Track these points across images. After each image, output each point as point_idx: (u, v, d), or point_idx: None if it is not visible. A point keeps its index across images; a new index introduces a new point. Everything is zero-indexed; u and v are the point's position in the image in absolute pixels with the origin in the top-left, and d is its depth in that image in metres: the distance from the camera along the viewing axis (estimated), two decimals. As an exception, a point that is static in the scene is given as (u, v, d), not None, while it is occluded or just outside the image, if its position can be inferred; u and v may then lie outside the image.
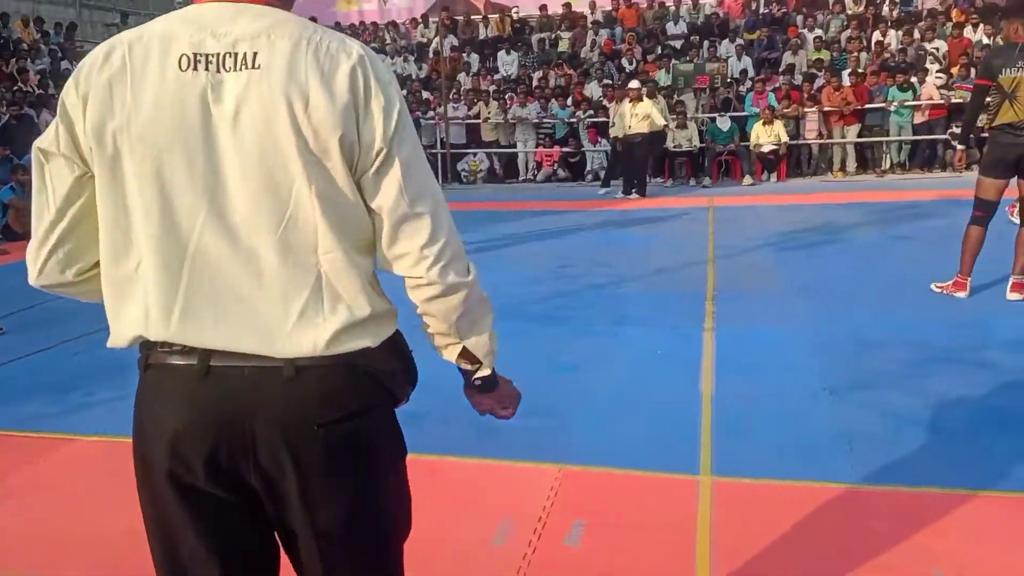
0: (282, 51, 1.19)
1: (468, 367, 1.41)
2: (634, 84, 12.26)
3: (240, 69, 1.18)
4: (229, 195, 1.19)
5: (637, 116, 11.70)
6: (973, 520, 2.64)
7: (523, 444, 3.31)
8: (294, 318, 1.21)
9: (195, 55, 1.19)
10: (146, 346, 1.26)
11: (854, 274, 6.25)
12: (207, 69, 1.18)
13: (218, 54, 1.19)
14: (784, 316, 5.16)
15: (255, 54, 1.19)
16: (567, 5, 17.81)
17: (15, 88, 13.68)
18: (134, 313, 1.24)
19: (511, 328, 5.06)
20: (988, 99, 5.22)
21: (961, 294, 5.38)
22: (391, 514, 1.37)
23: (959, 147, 5.88)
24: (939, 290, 5.48)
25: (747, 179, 12.88)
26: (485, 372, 1.42)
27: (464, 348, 1.37)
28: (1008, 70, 5.02)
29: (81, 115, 1.22)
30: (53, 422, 3.84)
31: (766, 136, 12.80)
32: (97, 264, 1.29)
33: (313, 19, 16.30)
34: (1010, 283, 5.25)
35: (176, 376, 1.24)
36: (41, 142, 1.27)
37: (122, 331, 1.26)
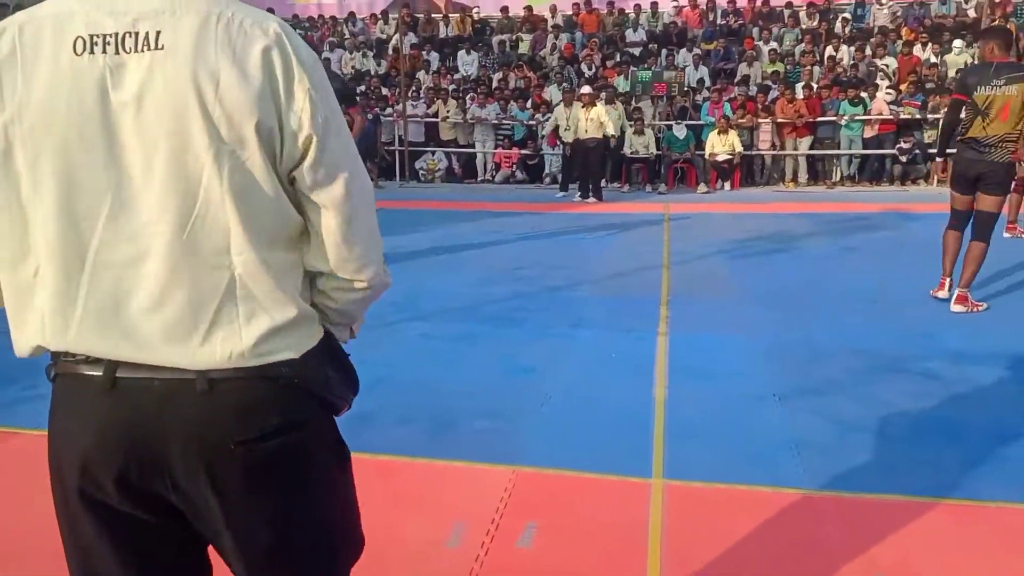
0: (188, 28, 1.07)
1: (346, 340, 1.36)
2: (586, 89, 12.35)
3: (142, 50, 1.07)
4: (132, 192, 1.08)
5: (592, 121, 11.79)
6: (919, 527, 2.70)
7: (477, 445, 3.30)
8: (205, 326, 1.10)
9: (91, 36, 1.08)
10: (53, 354, 1.17)
11: (805, 283, 6.36)
12: (104, 52, 1.07)
13: (117, 34, 1.07)
14: (736, 322, 5.23)
15: (158, 33, 1.07)
16: (528, 8, 17.84)
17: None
18: (33, 321, 1.14)
19: (466, 329, 5.09)
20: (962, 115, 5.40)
21: (941, 293, 5.57)
22: (328, 532, 1.27)
23: (938, 159, 6.04)
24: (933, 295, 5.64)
25: (702, 187, 13.04)
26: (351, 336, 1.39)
27: (351, 329, 1.35)
28: (982, 88, 5.20)
29: None
30: (-9, 415, 3.70)
31: (721, 145, 12.98)
32: None
33: (270, 11, 16.04)
34: (954, 295, 5.40)
35: (82, 388, 1.14)
36: None
37: (24, 340, 1.16)
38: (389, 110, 15.13)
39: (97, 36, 1.08)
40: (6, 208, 1.12)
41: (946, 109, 6.03)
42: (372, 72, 16.78)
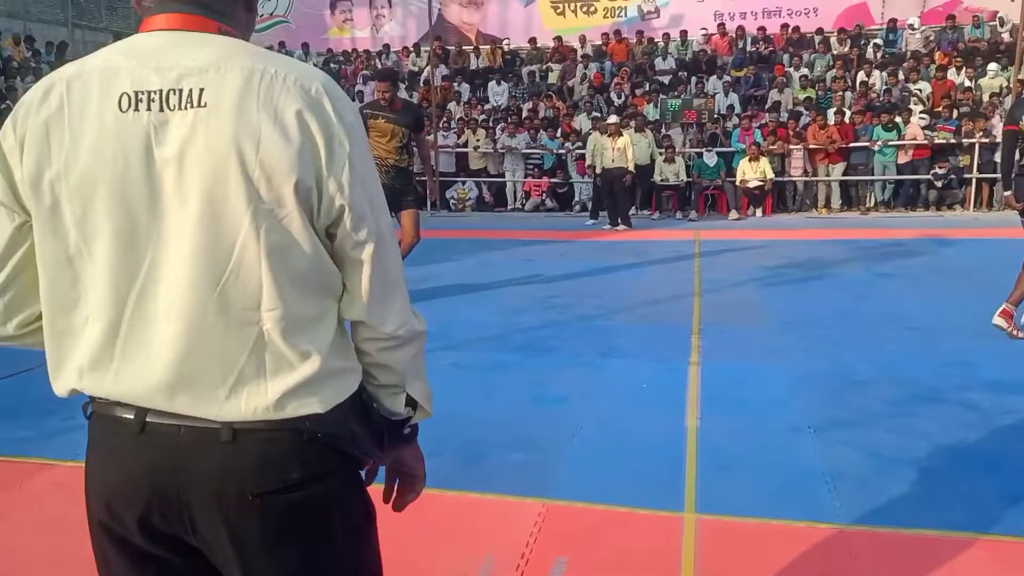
0: (231, 86, 1.08)
1: (405, 415, 1.31)
2: (612, 119, 12.42)
3: (185, 108, 1.08)
4: (171, 248, 1.10)
5: (619, 150, 11.86)
6: (959, 564, 2.63)
7: (507, 478, 3.28)
8: (231, 381, 1.12)
9: (136, 93, 1.09)
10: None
11: (839, 310, 6.28)
12: (149, 108, 1.08)
13: (161, 91, 1.08)
14: (770, 351, 5.17)
15: (201, 90, 1.08)
16: (558, 38, 18.01)
17: (2, 106, 13.65)
18: (72, 367, 1.17)
19: (495, 359, 5.09)
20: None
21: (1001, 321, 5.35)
22: None
23: (1006, 193, 5.94)
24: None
25: (733, 213, 12.98)
26: (422, 416, 1.35)
27: (407, 395, 1.29)
28: None
29: (19, 162, 1.13)
30: (32, 447, 3.77)
31: (752, 172, 12.92)
32: (39, 317, 1.20)
33: (305, 45, 16.19)
34: (1000, 308, 5.32)
35: (114, 429, 1.17)
36: None
37: (63, 383, 1.19)
38: (420, 141, 15.28)
39: (142, 93, 1.09)
40: (53, 259, 1.15)
41: (1000, 143, 6.17)
42: (404, 104, 16.99)
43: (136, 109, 1.09)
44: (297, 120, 1.08)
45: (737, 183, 13.08)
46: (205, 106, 1.07)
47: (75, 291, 1.15)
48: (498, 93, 16.97)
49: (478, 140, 15.03)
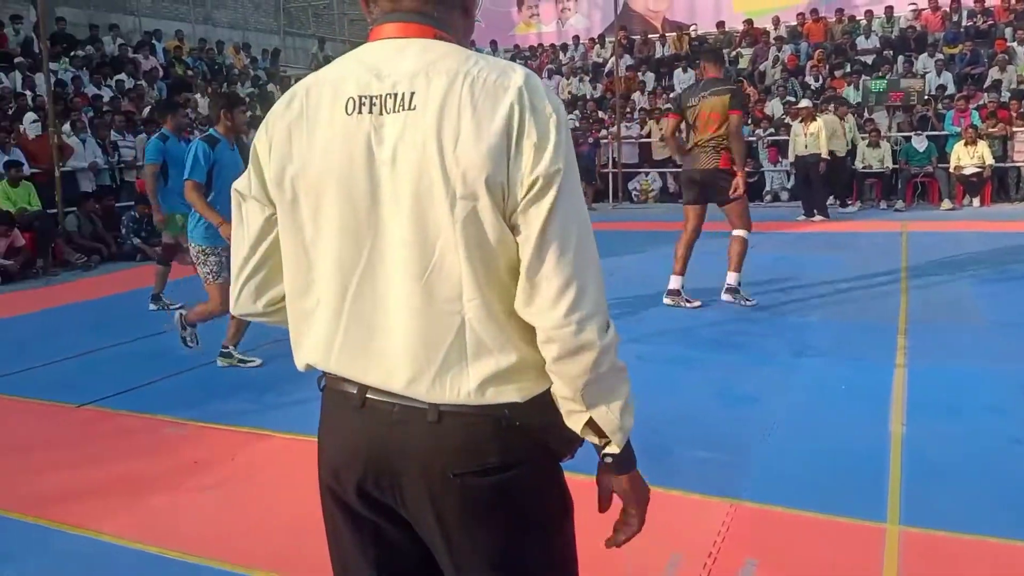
0: (437, 89, 1.15)
1: (595, 441, 1.25)
2: (804, 103, 11.75)
3: (398, 111, 1.16)
4: (387, 240, 1.19)
5: (812, 136, 11.22)
6: None
7: (695, 475, 3.22)
8: (437, 364, 1.18)
9: (360, 98, 1.19)
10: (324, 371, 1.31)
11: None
12: (371, 112, 1.18)
13: (381, 95, 1.18)
14: (985, 353, 4.72)
15: (412, 94, 1.16)
16: (748, 21, 17.33)
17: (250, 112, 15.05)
18: (307, 344, 1.29)
19: (679, 353, 5.00)
20: None
21: None
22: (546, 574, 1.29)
23: None
24: None
25: (946, 203, 11.94)
26: (613, 449, 1.24)
27: (590, 418, 1.21)
28: None
29: (267, 160, 1.27)
30: (252, 418, 4.16)
31: (968, 157, 11.81)
32: (284, 298, 1.34)
33: (494, 43, 16.63)
34: None
35: (340, 402, 1.27)
36: (238, 184, 1.34)
37: (300, 358, 1.32)
38: (604, 133, 15.28)
39: (365, 97, 1.19)
40: (292, 248, 1.27)
41: None
42: (588, 96, 17.04)
43: (359, 112, 1.19)
44: (495, 117, 1.13)
45: (951, 170, 12.00)
46: (414, 109, 1.15)
47: (309, 276, 1.27)
48: (684, 81, 16.58)
49: (662, 130, 14.78)
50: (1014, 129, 12.11)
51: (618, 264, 7.89)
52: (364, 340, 1.22)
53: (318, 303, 1.26)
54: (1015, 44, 14.23)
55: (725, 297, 6.16)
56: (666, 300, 6.16)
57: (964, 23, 15.55)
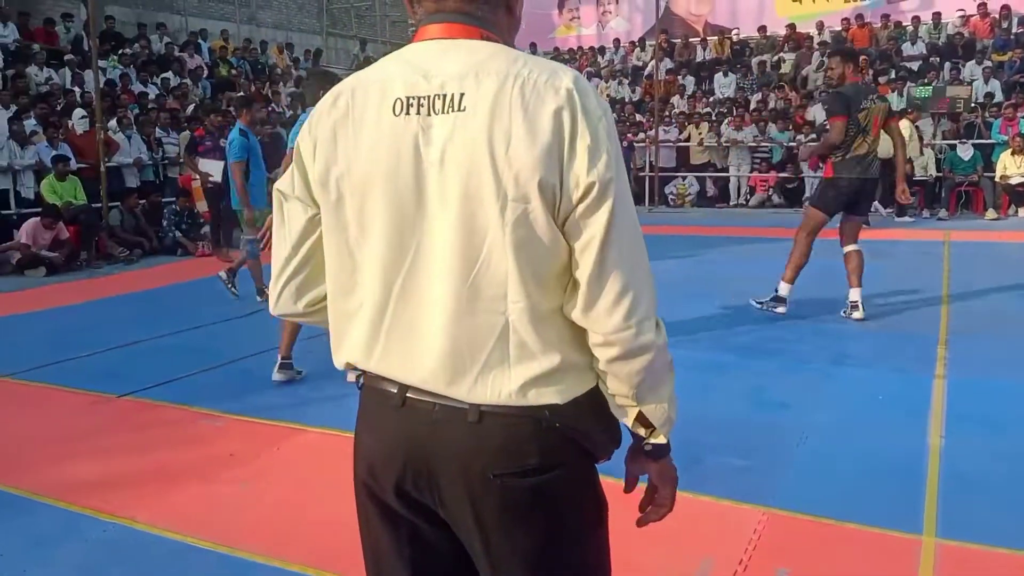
0: (488, 91, 1.14)
1: (643, 433, 1.30)
2: None
3: (447, 112, 1.16)
4: (432, 241, 1.18)
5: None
6: None
7: (726, 482, 3.19)
8: (479, 365, 1.18)
9: (408, 99, 1.18)
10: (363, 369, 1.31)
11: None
12: (419, 113, 1.17)
13: (429, 96, 1.17)
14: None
15: (461, 95, 1.15)
16: (791, 26, 17.13)
17: (269, 108, 15.25)
18: (348, 344, 1.29)
19: (713, 359, 4.96)
20: None
21: None
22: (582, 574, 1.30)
23: None
24: None
25: (991, 213, 11.68)
26: (659, 439, 1.30)
27: (640, 413, 1.26)
28: None
29: (312, 161, 1.26)
30: (288, 413, 4.21)
31: (1015, 167, 11.55)
32: (325, 298, 1.33)
33: (533, 45, 16.61)
34: None
35: (380, 400, 1.27)
36: (280, 184, 1.34)
37: (340, 357, 1.31)
38: (641, 136, 15.21)
39: (412, 98, 1.18)
40: (336, 249, 1.27)
41: None
42: (627, 99, 16.98)
43: (407, 113, 1.18)
44: (546, 119, 1.12)
45: (997, 179, 11.76)
46: (464, 110, 1.15)
47: (353, 278, 1.26)
48: (724, 85, 16.47)
49: (700, 134, 14.68)
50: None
51: (655, 268, 7.82)
52: (407, 340, 1.22)
53: (361, 305, 1.26)
54: (1067, 51, 13.90)
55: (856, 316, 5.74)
56: (777, 308, 5.93)
57: (1015, 30, 15.22)
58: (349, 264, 1.26)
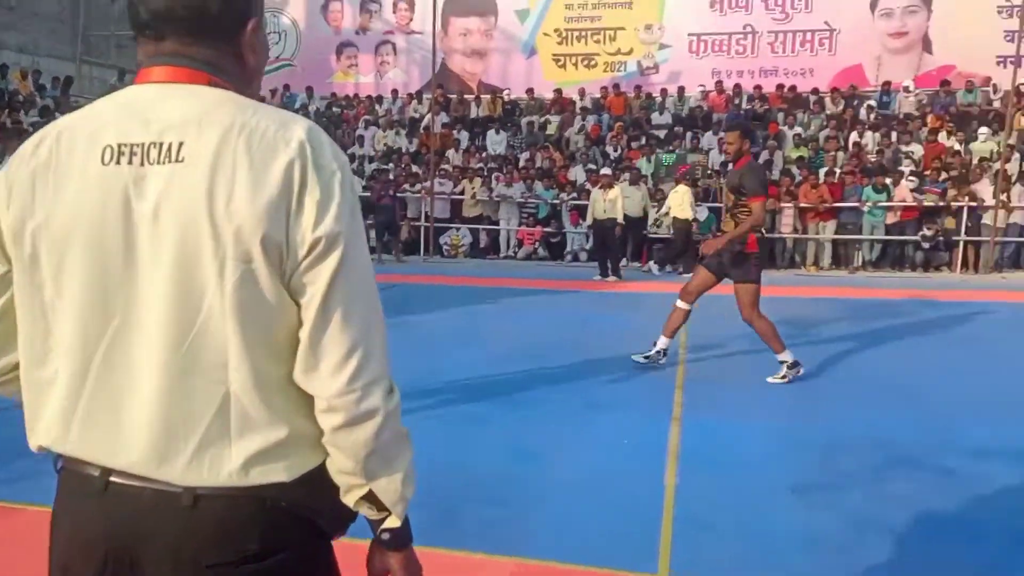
0: (209, 140, 1.05)
1: (373, 516, 1.18)
2: (605, 171, 12.60)
3: (163, 162, 1.06)
4: (142, 303, 1.08)
5: (611, 202, 12.00)
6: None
7: (479, 534, 3.24)
8: (195, 442, 1.07)
9: (119, 146, 1.08)
10: None
11: (824, 370, 6.28)
12: (131, 162, 1.07)
13: (143, 144, 1.07)
14: (753, 409, 5.15)
15: (180, 145, 1.06)
16: (557, 91, 18.29)
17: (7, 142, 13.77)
18: (43, 423, 1.15)
19: (475, 411, 5.06)
20: None
21: None
22: None
23: None
24: None
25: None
26: (393, 523, 1.18)
27: (369, 491, 1.14)
28: None
29: (5, 210, 1.13)
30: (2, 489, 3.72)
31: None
32: (17, 366, 1.19)
33: (310, 89, 16.24)
34: None
35: (78, 486, 1.13)
36: None
37: (34, 439, 1.16)
38: (418, 187, 15.44)
39: (124, 146, 1.08)
40: (30, 310, 1.13)
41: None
42: (404, 150, 17.20)
43: (117, 162, 1.08)
44: (276, 173, 1.05)
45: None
46: (183, 161, 1.06)
47: (47, 343, 1.13)
48: (496, 142, 17.17)
49: (474, 188, 15.18)
50: (781, 204, 13.53)
51: (423, 319, 7.92)
52: (111, 416, 1.10)
53: (57, 373, 1.12)
54: (785, 128, 15.98)
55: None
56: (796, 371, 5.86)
57: (744, 106, 17.28)
58: (42, 327, 1.13)
